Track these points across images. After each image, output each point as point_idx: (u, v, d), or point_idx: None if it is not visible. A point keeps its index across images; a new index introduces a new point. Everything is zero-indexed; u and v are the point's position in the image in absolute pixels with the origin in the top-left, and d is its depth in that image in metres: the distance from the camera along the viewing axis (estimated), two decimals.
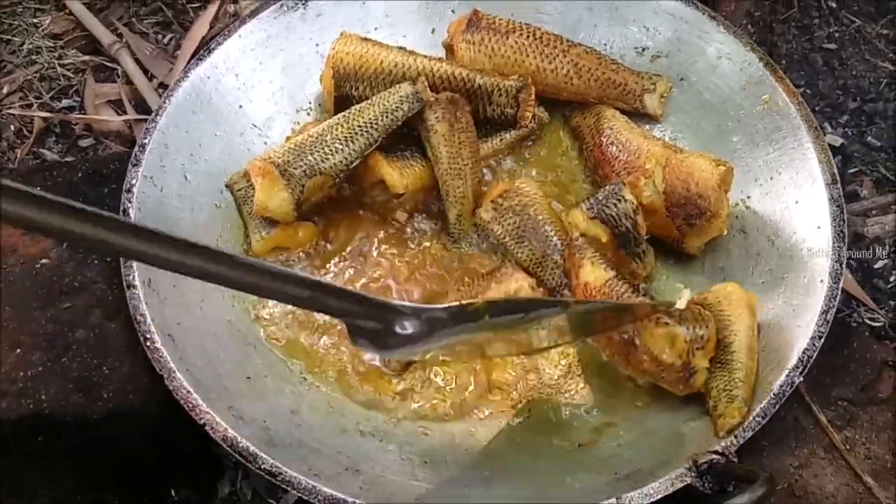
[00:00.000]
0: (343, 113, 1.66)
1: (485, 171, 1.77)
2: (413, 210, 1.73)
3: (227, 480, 1.61)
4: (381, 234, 1.71)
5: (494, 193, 1.69)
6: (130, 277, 1.47)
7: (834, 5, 2.22)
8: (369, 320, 1.21)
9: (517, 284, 1.56)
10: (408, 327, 1.24)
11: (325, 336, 1.59)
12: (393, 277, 1.67)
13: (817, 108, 2.05)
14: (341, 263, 1.68)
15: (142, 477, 1.55)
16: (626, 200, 1.56)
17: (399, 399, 1.53)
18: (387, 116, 1.64)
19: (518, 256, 1.64)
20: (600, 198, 1.57)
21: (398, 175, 1.65)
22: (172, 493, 1.57)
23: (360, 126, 1.63)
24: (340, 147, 1.61)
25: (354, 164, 1.63)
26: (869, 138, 2.02)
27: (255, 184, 1.60)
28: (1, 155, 1.93)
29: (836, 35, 2.18)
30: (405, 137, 1.71)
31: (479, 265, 1.68)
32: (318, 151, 1.61)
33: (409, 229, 1.72)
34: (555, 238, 1.63)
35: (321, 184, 1.62)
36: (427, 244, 1.71)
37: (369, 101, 1.66)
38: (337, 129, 1.63)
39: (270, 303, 1.60)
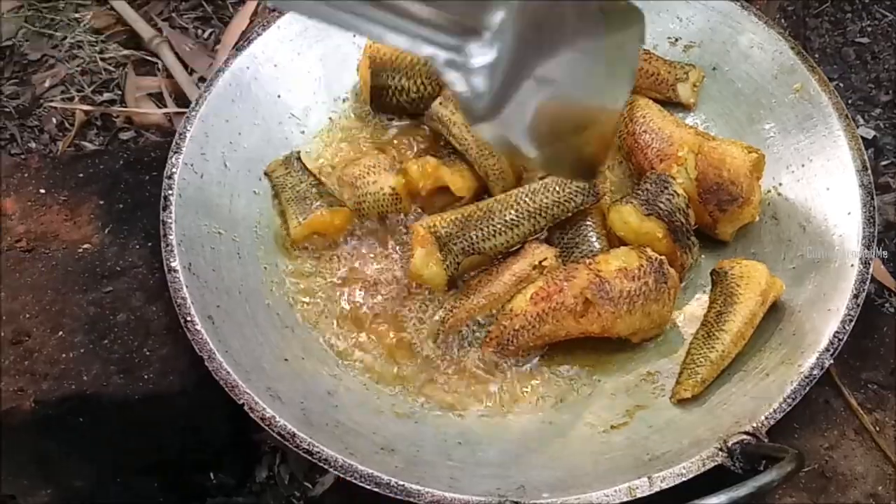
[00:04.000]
0: (515, 192, 1.60)
1: None
2: None
3: (265, 465, 1.63)
4: None
5: None
6: (171, 261, 1.49)
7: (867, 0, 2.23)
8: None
9: (541, 254, 1.56)
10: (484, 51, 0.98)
11: (364, 317, 1.60)
12: None
13: (850, 102, 2.05)
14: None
15: (180, 461, 1.57)
16: (678, 195, 1.57)
17: (434, 381, 1.54)
18: (558, 206, 1.59)
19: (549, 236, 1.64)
20: (652, 192, 1.58)
21: (460, 179, 1.65)
22: (210, 476, 1.60)
23: (529, 212, 1.58)
24: (505, 230, 1.57)
25: (512, 248, 1.60)
26: None
27: (413, 249, 1.56)
28: (43, 147, 1.97)
29: (869, 29, 2.18)
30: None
31: None
32: (482, 229, 1.56)
33: None
34: (591, 231, 1.63)
35: (477, 262, 1.60)
36: None
37: (543, 186, 1.60)
38: (506, 213, 1.58)
39: (310, 287, 1.62)
